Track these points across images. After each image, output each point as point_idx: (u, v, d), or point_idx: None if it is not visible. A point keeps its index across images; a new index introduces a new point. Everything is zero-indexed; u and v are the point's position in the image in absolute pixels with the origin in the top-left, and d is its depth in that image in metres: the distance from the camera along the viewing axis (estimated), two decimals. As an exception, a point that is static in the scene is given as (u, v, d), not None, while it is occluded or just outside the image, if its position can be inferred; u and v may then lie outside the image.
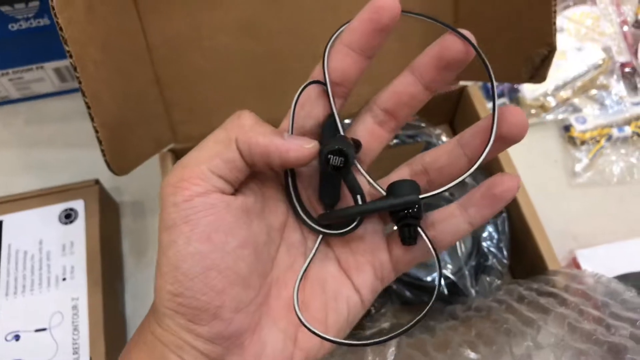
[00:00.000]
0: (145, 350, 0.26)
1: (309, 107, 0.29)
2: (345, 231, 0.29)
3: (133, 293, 0.56)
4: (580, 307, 0.33)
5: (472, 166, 0.26)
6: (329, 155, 0.27)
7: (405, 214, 0.27)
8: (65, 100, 0.66)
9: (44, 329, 0.49)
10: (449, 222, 0.28)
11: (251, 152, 0.26)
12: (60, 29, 0.35)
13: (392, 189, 0.28)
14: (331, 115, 0.29)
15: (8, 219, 0.53)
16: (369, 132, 0.30)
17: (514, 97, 0.67)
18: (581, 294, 0.35)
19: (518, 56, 0.47)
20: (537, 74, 0.47)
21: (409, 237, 0.27)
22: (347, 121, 0.48)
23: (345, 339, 0.29)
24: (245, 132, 0.26)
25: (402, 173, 0.30)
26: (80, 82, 0.38)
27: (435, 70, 0.28)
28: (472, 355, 0.37)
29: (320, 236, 0.30)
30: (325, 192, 0.30)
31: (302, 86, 0.29)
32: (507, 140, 0.26)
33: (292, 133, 0.29)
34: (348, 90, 0.29)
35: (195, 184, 0.25)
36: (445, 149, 0.29)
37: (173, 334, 0.25)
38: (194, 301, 0.25)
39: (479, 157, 0.26)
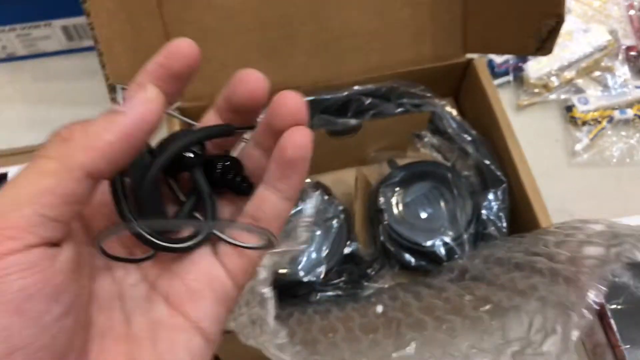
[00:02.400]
0: None
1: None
2: (186, 246, 0.24)
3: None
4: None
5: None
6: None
7: (222, 167, 0.24)
8: (71, 59, 0.66)
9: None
10: (266, 208, 0.25)
11: (112, 156, 0.20)
12: (76, -28, 0.36)
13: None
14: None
15: (13, 171, 0.54)
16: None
17: (518, 75, 0.68)
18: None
19: (526, 28, 0.48)
20: (544, 47, 0.48)
21: (241, 182, 0.25)
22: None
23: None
24: (89, 146, 0.20)
25: None
26: (92, 29, 0.38)
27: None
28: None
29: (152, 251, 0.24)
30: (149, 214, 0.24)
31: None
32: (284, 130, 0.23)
33: None
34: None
35: (10, 237, 0.18)
36: (246, 154, 0.26)
37: None
38: None
39: (274, 149, 0.24)
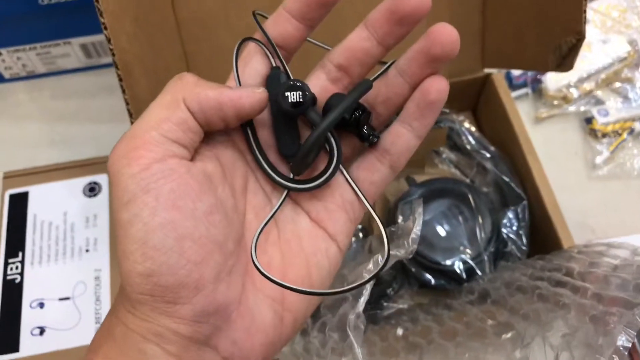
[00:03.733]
0: (117, 345, 0.24)
1: (251, 63, 0.28)
2: (315, 185, 0.27)
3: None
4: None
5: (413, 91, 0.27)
6: (286, 93, 0.26)
7: (357, 116, 0.27)
8: (90, 76, 0.67)
9: (67, 298, 0.50)
10: (400, 143, 0.28)
11: (203, 108, 0.24)
12: (97, 0, 0.36)
13: (333, 99, 0.27)
14: (274, 67, 0.28)
15: (34, 190, 0.54)
16: (322, 88, 0.28)
17: (537, 87, 0.67)
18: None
19: (546, 44, 0.47)
20: (564, 63, 0.47)
21: (370, 134, 0.28)
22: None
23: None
24: (191, 89, 0.24)
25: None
26: (113, 54, 0.38)
27: (388, 24, 0.26)
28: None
29: (286, 191, 0.28)
30: (283, 143, 0.28)
31: (239, 41, 0.29)
32: (441, 59, 0.26)
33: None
34: (288, 55, 0.29)
35: (149, 150, 0.23)
36: (384, 80, 0.28)
37: (151, 322, 0.23)
38: (170, 278, 0.23)
39: (419, 82, 0.27)
